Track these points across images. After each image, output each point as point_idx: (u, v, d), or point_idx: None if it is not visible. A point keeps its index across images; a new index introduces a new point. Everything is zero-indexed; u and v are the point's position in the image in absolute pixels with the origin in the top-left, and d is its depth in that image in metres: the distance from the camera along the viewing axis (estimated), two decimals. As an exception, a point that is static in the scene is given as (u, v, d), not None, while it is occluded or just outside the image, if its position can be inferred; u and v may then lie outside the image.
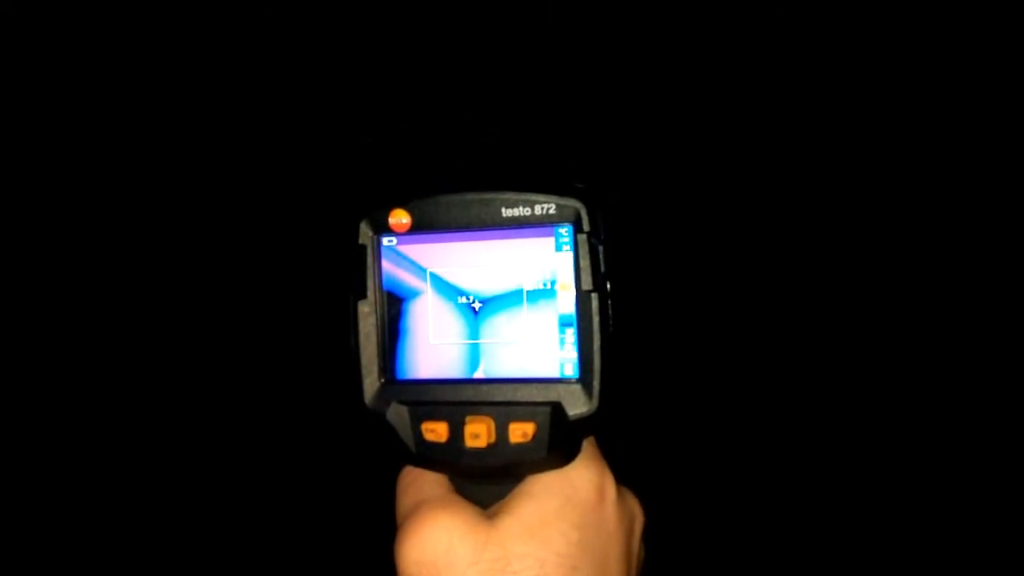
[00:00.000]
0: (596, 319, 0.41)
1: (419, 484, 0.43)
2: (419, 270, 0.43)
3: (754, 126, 1.17)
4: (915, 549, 1.14)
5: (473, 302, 0.43)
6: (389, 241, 0.43)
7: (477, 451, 0.41)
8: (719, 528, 1.17)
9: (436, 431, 0.42)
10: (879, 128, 1.15)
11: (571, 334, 0.41)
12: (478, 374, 0.43)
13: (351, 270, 0.43)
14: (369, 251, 0.43)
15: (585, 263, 0.41)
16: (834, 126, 1.15)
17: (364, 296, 0.43)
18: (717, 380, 1.20)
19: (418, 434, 0.42)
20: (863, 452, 1.18)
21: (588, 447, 0.44)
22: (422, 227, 0.43)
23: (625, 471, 0.44)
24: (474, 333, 0.43)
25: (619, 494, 0.44)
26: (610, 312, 0.41)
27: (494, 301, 0.42)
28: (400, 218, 0.43)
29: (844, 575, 1.17)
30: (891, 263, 1.16)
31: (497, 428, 0.41)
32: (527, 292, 0.42)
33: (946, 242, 1.15)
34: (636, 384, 0.43)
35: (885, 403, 1.18)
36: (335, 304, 0.44)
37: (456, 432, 0.41)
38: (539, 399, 0.41)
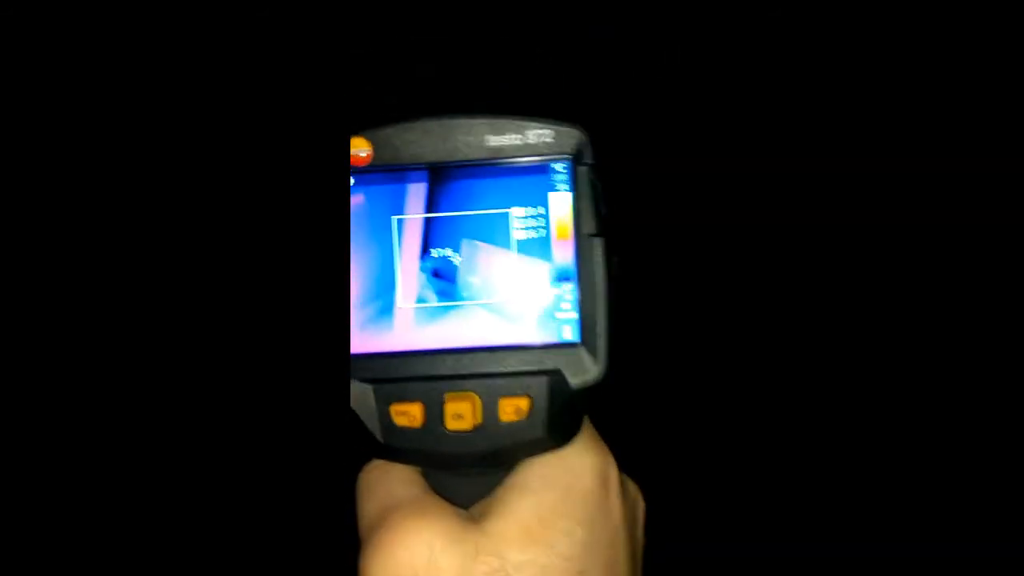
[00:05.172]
0: (600, 269, 0.34)
1: (386, 484, 0.35)
2: (382, 215, 0.35)
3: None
4: (912, 538, 1.15)
5: (450, 255, 0.35)
6: None
7: (461, 435, 0.34)
8: (713, 510, 1.14)
9: (409, 413, 0.34)
10: (881, 128, 1.15)
11: (569, 290, 0.35)
12: (458, 342, 0.35)
13: None
14: None
15: (587, 203, 0.34)
16: (837, 125, 1.15)
17: None
18: (706, 359, 1.17)
19: (386, 419, 0.34)
20: (865, 446, 1.17)
21: (584, 427, 0.37)
22: (386, 161, 0.35)
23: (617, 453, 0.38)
24: (452, 293, 0.35)
25: (620, 480, 0.38)
26: (615, 261, 0.35)
27: (476, 253, 0.35)
28: (359, 149, 0.34)
29: (842, 560, 1.16)
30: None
31: (484, 406, 0.34)
32: (516, 241, 0.35)
33: (941, 244, 1.16)
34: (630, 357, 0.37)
35: (897, 401, 1.18)
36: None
37: (434, 413, 0.34)
38: (534, 367, 0.34)
